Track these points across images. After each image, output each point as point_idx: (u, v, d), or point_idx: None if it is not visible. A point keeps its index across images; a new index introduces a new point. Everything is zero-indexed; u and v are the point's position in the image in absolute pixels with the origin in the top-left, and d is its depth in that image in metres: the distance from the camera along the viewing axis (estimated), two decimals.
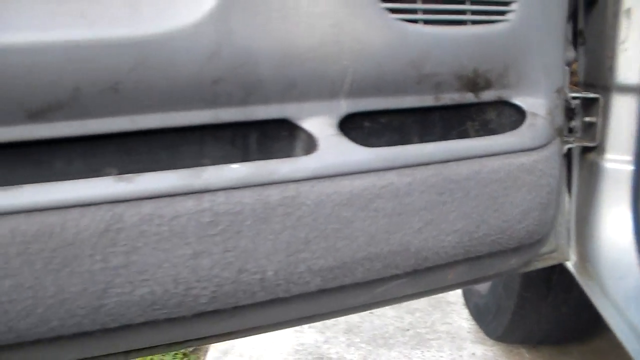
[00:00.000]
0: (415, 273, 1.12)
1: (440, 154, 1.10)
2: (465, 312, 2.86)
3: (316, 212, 1.00)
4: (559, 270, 1.95)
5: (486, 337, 2.65)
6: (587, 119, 1.34)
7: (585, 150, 1.38)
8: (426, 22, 1.08)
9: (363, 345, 2.66)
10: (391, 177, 1.05)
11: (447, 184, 1.09)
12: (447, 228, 1.11)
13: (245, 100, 0.99)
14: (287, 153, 1.06)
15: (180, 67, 0.93)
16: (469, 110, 1.20)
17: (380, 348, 2.63)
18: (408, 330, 2.76)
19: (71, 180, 0.90)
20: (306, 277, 1.02)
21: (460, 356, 2.55)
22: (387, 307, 2.93)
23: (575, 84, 1.39)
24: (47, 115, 0.88)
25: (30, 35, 0.85)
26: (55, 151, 0.93)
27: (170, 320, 0.98)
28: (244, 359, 2.63)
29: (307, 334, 2.75)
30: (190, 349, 2.81)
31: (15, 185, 0.87)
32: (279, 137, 1.06)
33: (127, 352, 1.12)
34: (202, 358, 2.74)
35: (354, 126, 1.09)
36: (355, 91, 1.05)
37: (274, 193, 0.98)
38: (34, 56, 0.85)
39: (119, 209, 0.89)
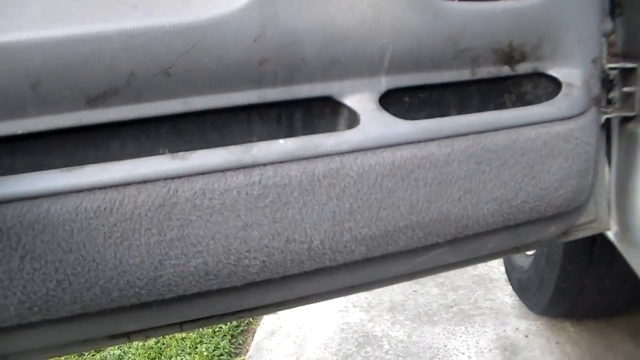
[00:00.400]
0: (455, 241, 1.15)
1: (478, 124, 1.12)
2: (508, 288, 2.87)
3: (360, 182, 1.04)
4: (601, 242, 1.96)
5: (529, 312, 2.65)
6: (626, 89, 1.33)
7: (624, 120, 1.38)
8: None
9: (407, 322, 2.69)
10: (431, 148, 1.08)
11: (485, 154, 1.12)
12: (485, 196, 1.13)
13: (289, 79, 1.03)
14: (331, 129, 1.10)
15: (228, 49, 0.97)
16: (505, 83, 1.22)
17: (424, 325, 2.66)
18: (452, 307, 2.78)
19: (129, 159, 0.95)
20: (351, 246, 1.06)
21: (504, 331, 2.56)
22: (430, 285, 2.96)
23: (613, 55, 1.39)
24: (104, 101, 0.94)
25: (88, 26, 0.91)
26: (112, 134, 0.99)
27: (222, 291, 1.03)
28: (290, 339, 2.68)
29: (352, 313, 2.79)
30: (239, 329, 2.88)
31: (77, 166, 0.93)
32: (322, 114, 1.10)
33: (182, 324, 1.17)
34: (250, 339, 2.80)
35: (394, 101, 1.13)
36: (395, 68, 1.09)
37: (319, 166, 1.02)
38: (93, 46, 0.91)
39: (174, 184, 0.95)
